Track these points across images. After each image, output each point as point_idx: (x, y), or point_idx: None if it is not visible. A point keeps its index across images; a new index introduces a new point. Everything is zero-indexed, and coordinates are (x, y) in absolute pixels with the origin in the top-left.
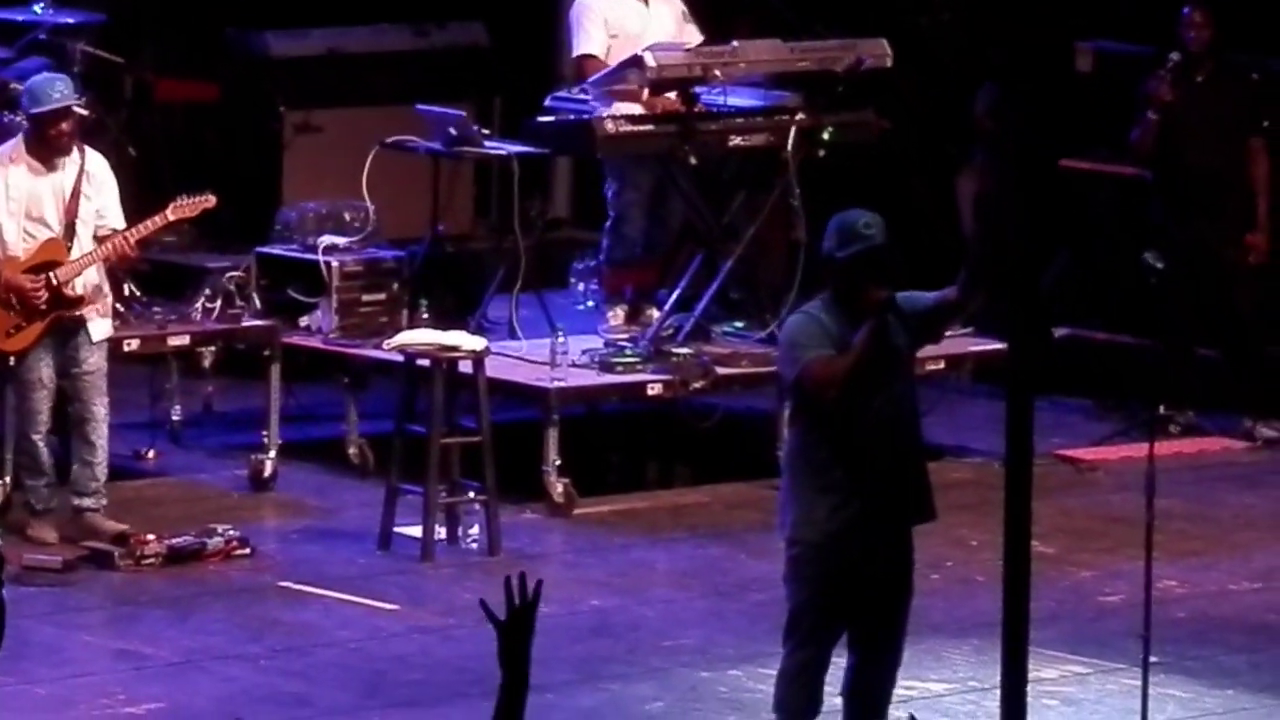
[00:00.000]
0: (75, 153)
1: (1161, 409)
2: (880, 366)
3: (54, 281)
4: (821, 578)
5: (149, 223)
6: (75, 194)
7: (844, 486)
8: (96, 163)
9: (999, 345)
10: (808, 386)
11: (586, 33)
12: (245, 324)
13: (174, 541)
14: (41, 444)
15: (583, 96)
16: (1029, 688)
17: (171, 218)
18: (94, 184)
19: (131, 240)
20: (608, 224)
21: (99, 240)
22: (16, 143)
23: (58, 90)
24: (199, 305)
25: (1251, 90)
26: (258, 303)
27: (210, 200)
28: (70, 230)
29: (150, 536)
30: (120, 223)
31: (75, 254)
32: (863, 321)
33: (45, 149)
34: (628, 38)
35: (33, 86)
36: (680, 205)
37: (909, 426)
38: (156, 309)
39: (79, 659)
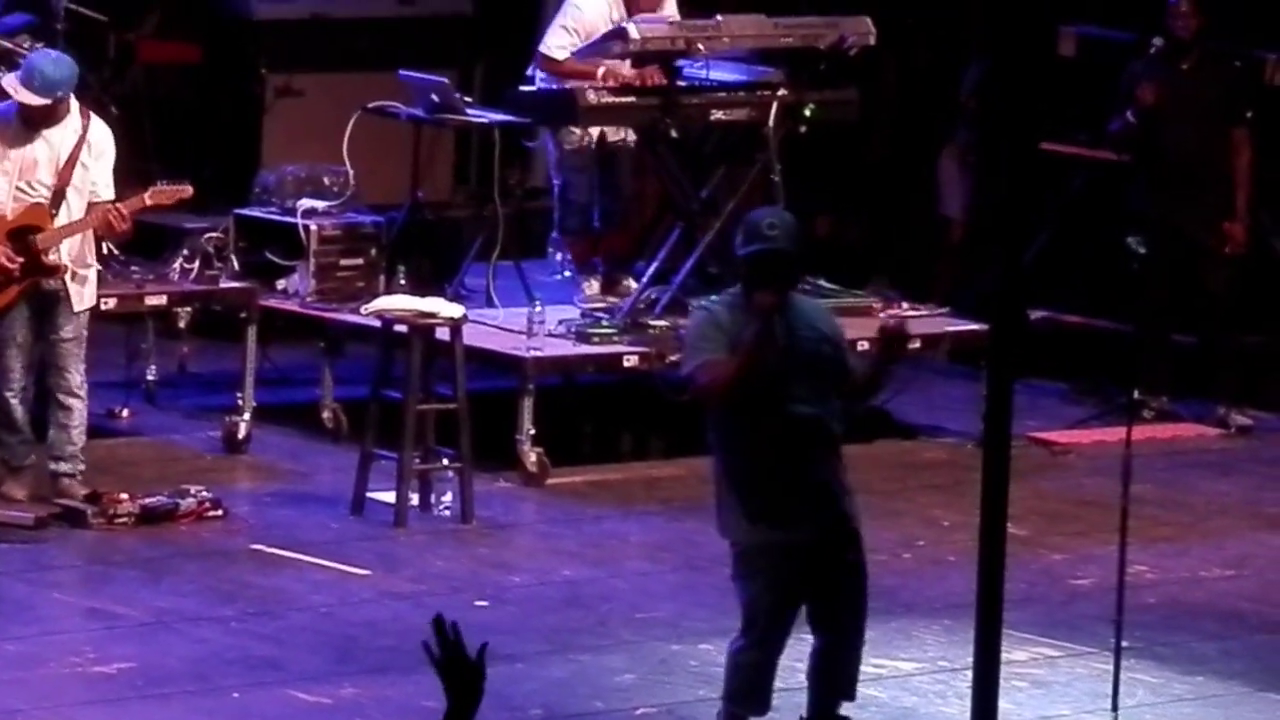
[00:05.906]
0: (79, 119)
1: (1136, 394)
2: (770, 369)
3: (33, 248)
4: (766, 571)
5: (127, 204)
6: (71, 161)
7: (751, 485)
8: (99, 132)
9: (975, 326)
10: (695, 393)
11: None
12: (222, 285)
13: (147, 501)
14: (14, 401)
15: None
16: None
17: (149, 203)
18: (93, 153)
19: (124, 212)
20: (555, 192)
21: (89, 209)
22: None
23: (47, 87)
24: (177, 266)
25: (1235, 79)
26: (235, 264)
27: (188, 190)
28: (59, 196)
29: (123, 496)
30: (109, 194)
31: (62, 221)
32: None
33: (31, 121)
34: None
35: (31, 66)
36: (631, 175)
37: (816, 431)
38: (134, 268)
39: (50, 616)
